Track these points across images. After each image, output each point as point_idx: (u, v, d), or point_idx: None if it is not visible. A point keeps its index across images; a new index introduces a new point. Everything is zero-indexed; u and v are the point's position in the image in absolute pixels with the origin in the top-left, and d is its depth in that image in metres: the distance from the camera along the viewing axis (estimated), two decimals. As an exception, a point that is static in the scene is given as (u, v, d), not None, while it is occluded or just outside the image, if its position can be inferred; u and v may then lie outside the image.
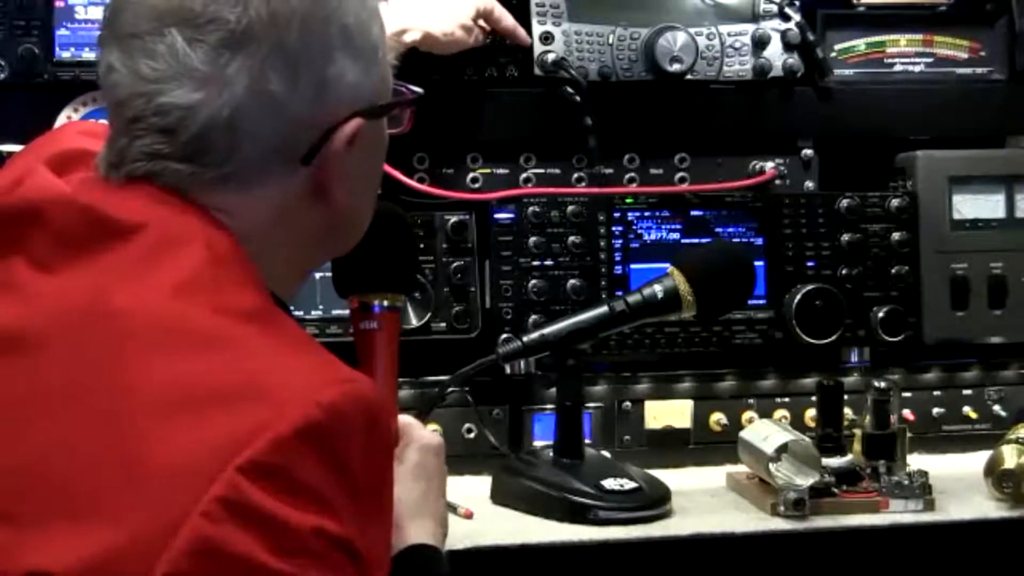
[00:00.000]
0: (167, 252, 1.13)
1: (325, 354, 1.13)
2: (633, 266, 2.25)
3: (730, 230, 2.29)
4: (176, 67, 1.16)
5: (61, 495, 1.05)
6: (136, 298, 1.10)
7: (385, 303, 1.55)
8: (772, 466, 1.92)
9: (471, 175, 2.29)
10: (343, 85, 1.21)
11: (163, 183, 1.18)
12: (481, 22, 2.22)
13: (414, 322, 2.17)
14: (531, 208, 2.23)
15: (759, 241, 2.29)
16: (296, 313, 2.15)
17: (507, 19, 2.25)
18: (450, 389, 2.09)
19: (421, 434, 1.54)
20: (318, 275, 2.08)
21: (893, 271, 2.31)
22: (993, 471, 1.97)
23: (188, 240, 1.15)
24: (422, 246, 2.20)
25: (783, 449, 1.92)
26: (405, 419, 1.57)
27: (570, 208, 2.24)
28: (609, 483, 1.94)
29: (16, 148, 2.11)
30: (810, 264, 2.29)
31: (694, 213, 2.28)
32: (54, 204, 1.18)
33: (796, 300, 2.24)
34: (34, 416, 1.09)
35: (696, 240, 2.27)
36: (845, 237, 2.30)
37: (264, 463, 1.02)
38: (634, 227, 2.26)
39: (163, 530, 1.00)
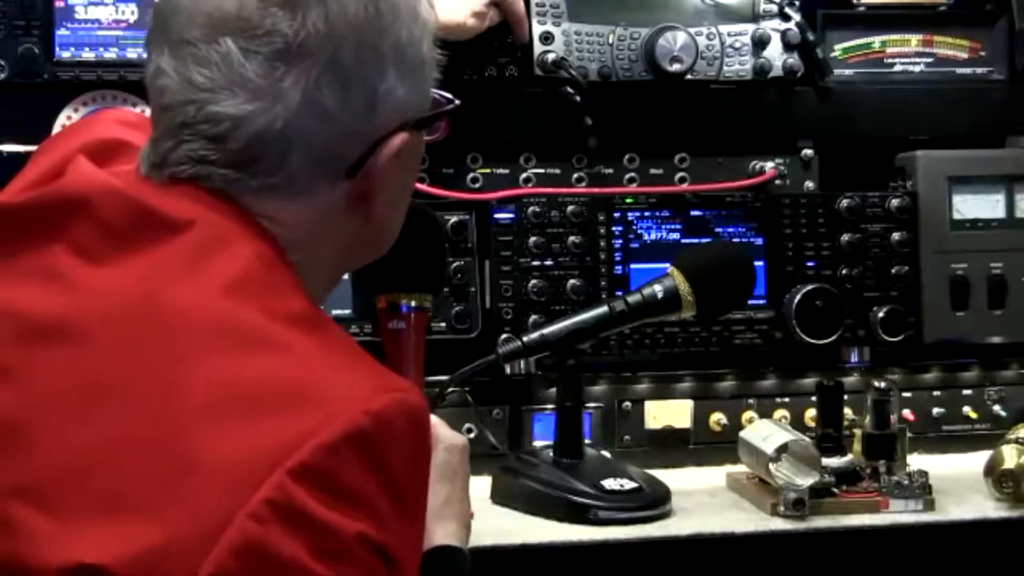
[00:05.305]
0: (216, 250, 1.13)
1: (373, 362, 1.14)
2: (633, 266, 2.25)
3: (730, 230, 2.29)
4: (230, 77, 1.16)
5: (108, 489, 1.05)
6: (188, 296, 1.10)
7: (413, 303, 1.54)
8: (772, 466, 1.92)
9: (471, 175, 2.28)
10: (392, 100, 1.21)
11: (208, 186, 1.18)
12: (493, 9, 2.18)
13: (414, 322, 2.17)
14: (531, 208, 2.23)
15: (759, 241, 2.29)
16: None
17: (519, 5, 2.22)
18: (450, 389, 2.08)
19: (447, 434, 1.54)
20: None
21: (893, 271, 2.30)
22: (993, 471, 1.97)
23: (236, 240, 1.15)
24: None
25: (783, 449, 1.92)
26: (431, 419, 1.56)
27: (570, 208, 2.24)
28: (609, 483, 1.94)
29: (17, 148, 2.11)
30: (810, 264, 2.29)
31: (694, 213, 2.28)
32: (101, 195, 1.17)
33: (796, 300, 2.24)
34: (83, 408, 1.08)
35: (696, 240, 2.27)
36: (845, 237, 2.30)
37: (313, 467, 1.02)
38: (634, 227, 2.26)
39: (210, 529, 1.01)
